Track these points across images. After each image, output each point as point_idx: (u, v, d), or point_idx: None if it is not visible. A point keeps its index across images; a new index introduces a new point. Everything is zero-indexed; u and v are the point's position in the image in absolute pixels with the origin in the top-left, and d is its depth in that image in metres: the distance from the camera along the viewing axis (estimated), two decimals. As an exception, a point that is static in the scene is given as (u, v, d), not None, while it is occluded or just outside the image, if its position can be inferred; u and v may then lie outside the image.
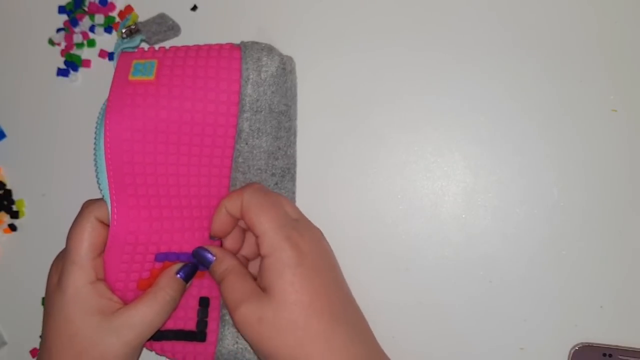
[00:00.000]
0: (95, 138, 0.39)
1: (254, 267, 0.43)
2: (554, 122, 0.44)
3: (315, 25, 0.46)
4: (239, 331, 0.38)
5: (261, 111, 0.40)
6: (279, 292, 0.37)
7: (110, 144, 0.38)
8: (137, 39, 0.42)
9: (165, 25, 0.45)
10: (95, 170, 0.39)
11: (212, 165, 0.40)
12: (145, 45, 0.45)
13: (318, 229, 0.42)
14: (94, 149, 0.39)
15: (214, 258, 0.40)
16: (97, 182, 0.39)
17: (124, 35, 0.42)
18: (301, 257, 0.38)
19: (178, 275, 0.41)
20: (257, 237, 0.39)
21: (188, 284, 0.42)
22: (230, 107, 0.39)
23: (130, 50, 0.41)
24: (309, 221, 0.42)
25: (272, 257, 0.37)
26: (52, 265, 0.42)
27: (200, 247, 0.41)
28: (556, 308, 0.43)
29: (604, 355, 0.42)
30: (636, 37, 0.43)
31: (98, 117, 0.39)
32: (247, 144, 0.40)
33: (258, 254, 0.41)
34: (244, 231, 0.43)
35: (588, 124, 0.43)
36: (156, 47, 0.43)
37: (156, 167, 0.39)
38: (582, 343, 0.42)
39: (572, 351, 0.42)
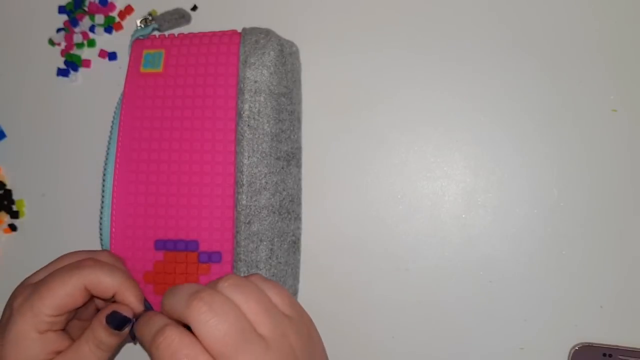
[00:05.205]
0: (112, 122, 0.43)
1: None
2: (554, 122, 0.44)
3: (316, 25, 0.46)
4: None
5: (260, 93, 0.41)
6: None
7: (123, 129, 0.42)
8: (150, 27, 0.45)
9: (177, 14, 0.47)
10: (106, 153, 0.43)
11: (216, 151, 0.41)
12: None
13: (301, 332, 0.33)
14: (110, 129, 0.43)
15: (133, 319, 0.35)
16: (105, 162, 0.43)
17: (140, 25, 0.45)
18: None
19: (107, 324, 0.36)
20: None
21: (124, 332, 0.37)
22: (228, 90, 0.41)
23: (143, 37, 0.44)
24: (283, 328, 0.32)
25: None
26: (18, 288, 0.38)
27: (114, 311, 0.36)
28: (556, 308, 0.43)
29: (604, 355, 0.42)
30: (636, 37, 0.43)
31: (117, 103, 0.44)
32: (248, 126, 0.40)
33: None
34: None
35: (588, 124, 0.43)
36: (166, 33, 0.45)
37: (160, 154, 0.41)
38: (582, 343, 0.42)
39: (572, 351, 0.42)
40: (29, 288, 0.37)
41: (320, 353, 0.35)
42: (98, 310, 0.41)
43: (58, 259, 0.39)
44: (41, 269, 0.39)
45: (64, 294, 0.36)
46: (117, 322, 0.36)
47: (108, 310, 0.37)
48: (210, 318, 0.29)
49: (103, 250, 0.41)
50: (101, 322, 0.36)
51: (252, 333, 0.30)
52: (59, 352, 0.36)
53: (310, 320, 0.35)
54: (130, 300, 0.37)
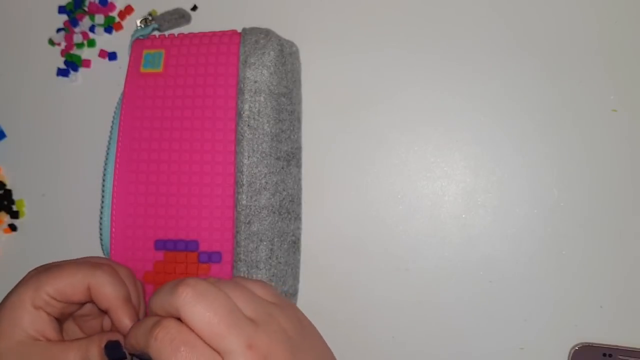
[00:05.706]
0: (112, 122, 0.44)
1: None
2: (554, 122, 0.44)
3: (316, 25, 0.47)
4: None
5: (260, 93, 0.41)
6: None
7: (123, 129, 0.42)
8: (150, 27, 0.45)
9: (177, 14, 0.47)
10: (106, 153, 0.43)
11: (216, 151, 0.41)
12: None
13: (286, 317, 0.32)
14: (110, 129, 0.44)
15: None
16: (105, 162, 0.43)
17: (140, 25, 0.45)
18: None
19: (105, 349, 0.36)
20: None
21: None
22: (228, 90, 0.41)
23: (143, 37, 0.44)
24: (269, 314, 0.32)
25: None
26: (37, 267, 0.39)
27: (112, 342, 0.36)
28: (556, 308, 0.43)
29: (604, 355, 0.42)
30: (636, 37, 0.43)
31: (117, 103, 0.44)
32: (248, 126, 0.40)
33: None
34: None
35: (588, 124, 0.43)
36: (166, 33, 0.45)
37: (160, 154, 0.41)
38: (582, 343, 0.42)
39: (572, 351, 0.42)
40: (44, 267, 0.39)
41: (317, 339, 0.34)
42: (103, 329, 0.41)
43: (85, 257, 0.41)
44: (68, 260, 0.40)
45: (69, 281, 0.37)
46: (115, 353, 0.36)
47: (114, 336, 0.37)
48: (198, 302, 0.29)
49: (126, 267, 0.40)
50: (100, 343, 0.36)
51: (240, 314, 0.30)
52: (48, 340, 0.37)
53: (299, 310, 0.35)
54: (122, 319, 0.37)
